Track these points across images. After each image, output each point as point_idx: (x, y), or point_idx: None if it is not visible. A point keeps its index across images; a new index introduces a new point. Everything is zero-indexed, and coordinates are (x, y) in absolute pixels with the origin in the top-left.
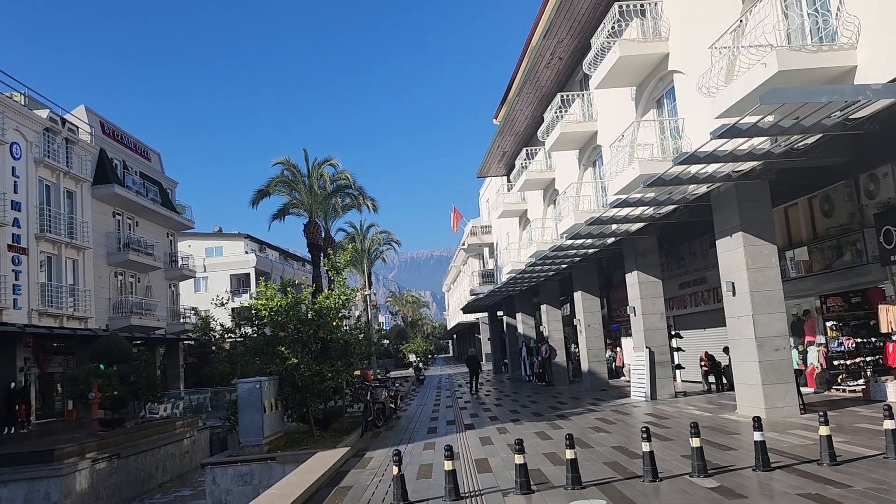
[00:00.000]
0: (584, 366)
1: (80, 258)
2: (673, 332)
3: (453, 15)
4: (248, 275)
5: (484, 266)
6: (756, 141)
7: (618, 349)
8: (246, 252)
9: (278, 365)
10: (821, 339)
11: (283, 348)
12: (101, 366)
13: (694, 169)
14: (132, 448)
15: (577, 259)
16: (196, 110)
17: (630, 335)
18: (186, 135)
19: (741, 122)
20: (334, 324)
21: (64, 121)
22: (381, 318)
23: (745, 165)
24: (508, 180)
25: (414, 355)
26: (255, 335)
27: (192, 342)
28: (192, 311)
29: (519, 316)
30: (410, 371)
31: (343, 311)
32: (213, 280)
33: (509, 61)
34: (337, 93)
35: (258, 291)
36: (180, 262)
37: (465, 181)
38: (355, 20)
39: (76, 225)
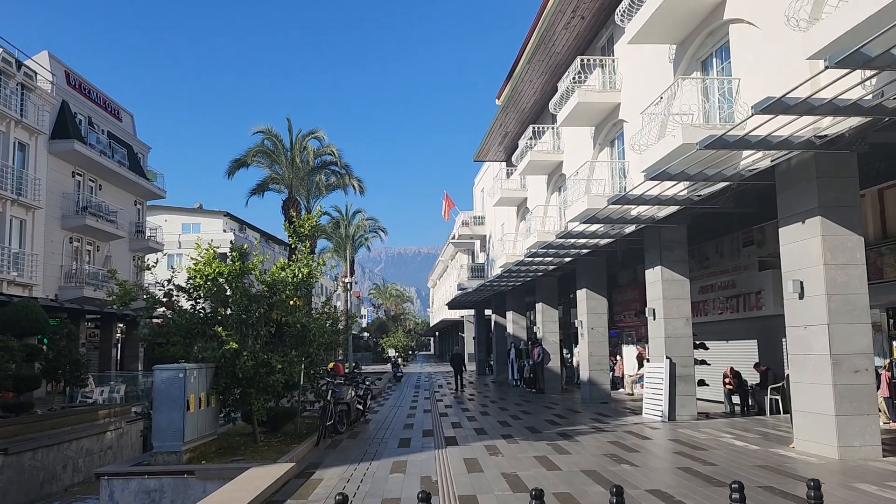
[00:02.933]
0: (584, 374)
1: (30, 218)
2: (697, 342)
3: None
4: (224, 254)
5: (474, 260)
6: (855, 94)
7: (617, 358)
8: (224, 231)
9: (214, 350)
10: (879, 360)
11: (220, 329)
12: (45, 338)
13: (767, 129)
14: (30, 442)
15: (585, 252)
16: (184, 83)
17: (633, 343)
18: (173, 108)
19: (867, 46)
20: (291, 303)
21: (20, 64)
22: (364, 311)
23: (841, 126)
24: (508, 165)
25: (393, 350)
26: (192, 310)
27: (158, 319)
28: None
29: (509, 315)
30: (388, 367)
31: (304, 287)
32: (187, 257)
33: (512, 44)
34: (330, 80)
35: (195, 253)
36: (147, 234)
37: (457, 177)
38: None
39: (27, 181)
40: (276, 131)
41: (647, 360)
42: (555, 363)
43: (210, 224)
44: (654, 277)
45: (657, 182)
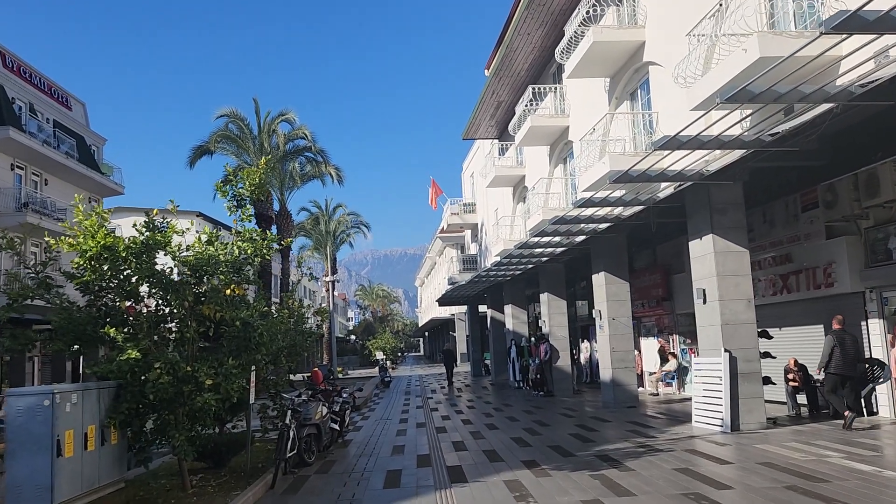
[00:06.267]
0: (606, 373)
1: None
2: (759, 330)
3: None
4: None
5: (464, 253)
6: None
7: (635, 352)
8: (197, 232)
9: (111, 362)
10: None
11: (111, 330)
12: None
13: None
14: None
15: (603, 226)
16: (164, 82)
17: (654, 335)
18: (149, 109)
19: None
20: (227, 292)
21: None
22: (350, 313)
23: None
24: (502, 140)
25: (381, 353)
26: (77, 306)
27: None
28: None
29: (508, 309)
30: (375, 370)
31: (246, 270)
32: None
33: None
34: (304, 78)
35: (75, 221)
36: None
37: (443, 175)
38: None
39: None
40: (242, 114)
41: (672, 355)
42: (565, 361)
43: (181, 225)
44: (704, 250)
45: (710, 122)
